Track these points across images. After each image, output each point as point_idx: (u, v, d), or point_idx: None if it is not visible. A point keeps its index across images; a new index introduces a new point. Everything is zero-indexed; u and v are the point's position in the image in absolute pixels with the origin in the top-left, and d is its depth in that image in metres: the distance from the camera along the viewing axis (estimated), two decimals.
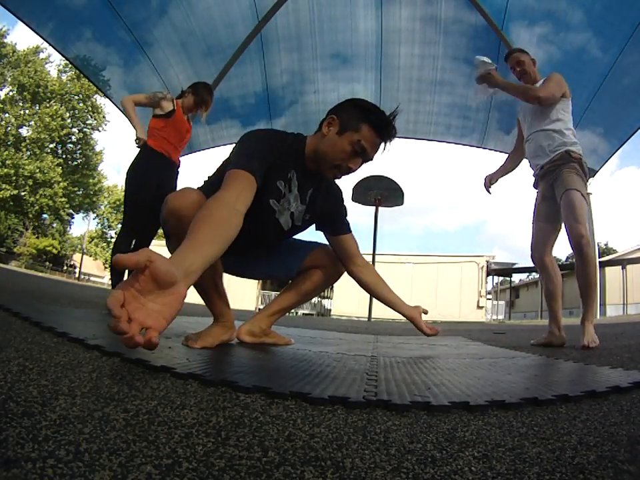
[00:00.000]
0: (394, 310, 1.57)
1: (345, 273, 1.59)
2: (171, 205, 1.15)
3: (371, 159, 1.29)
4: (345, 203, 1.52)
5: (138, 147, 2.67)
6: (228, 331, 1.42)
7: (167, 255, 0.85)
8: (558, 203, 2.19)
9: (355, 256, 1.50)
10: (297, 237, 1.64)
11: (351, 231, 1.51)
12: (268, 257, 1.59)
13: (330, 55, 4.92)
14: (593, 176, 4.86)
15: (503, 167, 2.68)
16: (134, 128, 2.68)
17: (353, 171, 1.29)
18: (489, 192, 2.64)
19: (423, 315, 1.60)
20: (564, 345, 2.17)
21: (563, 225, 2.29)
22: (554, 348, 2.10)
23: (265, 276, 1.71)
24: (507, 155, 2.77)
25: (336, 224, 1.48)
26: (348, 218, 1.53)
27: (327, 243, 1.58)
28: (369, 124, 1.24)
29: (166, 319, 0.63)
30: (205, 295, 1.39)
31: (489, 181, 2.62)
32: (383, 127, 1.26)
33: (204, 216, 0.93)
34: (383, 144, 1.29)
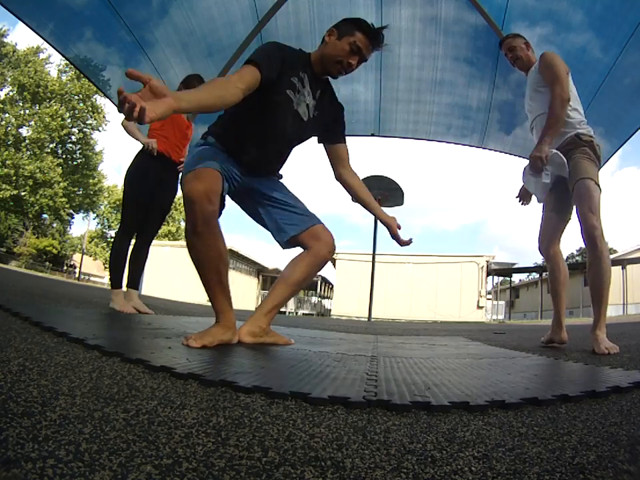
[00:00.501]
0: (371, 213, 1.74)
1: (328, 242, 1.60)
2: (185, 189, 1.31)
3: (366, 59, 1.56)
4: (344, 119, 1.73)
5: (150, 151, 2.65)
6: (228, 331, 1.42)
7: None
8: (568, 192, 2.03)
9: (346, 161, 1.71)
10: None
11: (346, 142, 1.73)
12: (273, 203, 1.60)
13: None
14: None
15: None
16: (140, 142, 2.66)
17: (353, 68, 1.55)
18: (525, 203, 2.40)
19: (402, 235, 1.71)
20: (564, 342, 2.12)
21: (572, 216, 2.15)
22: (554, 348, 2.09)
23: (259, 219, 1.67)
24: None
25: (336, 133, 1.70)
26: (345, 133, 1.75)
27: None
28: (361, 30, 1.53)
29: (155, 112, 0.90)
30: (208, 285, 1.41)
31: (526, 193, 2.37)
32: (372, 33, 1.53)
33: (205, 83, 1.19)
34: (372, 47, 1.55)
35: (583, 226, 1.92)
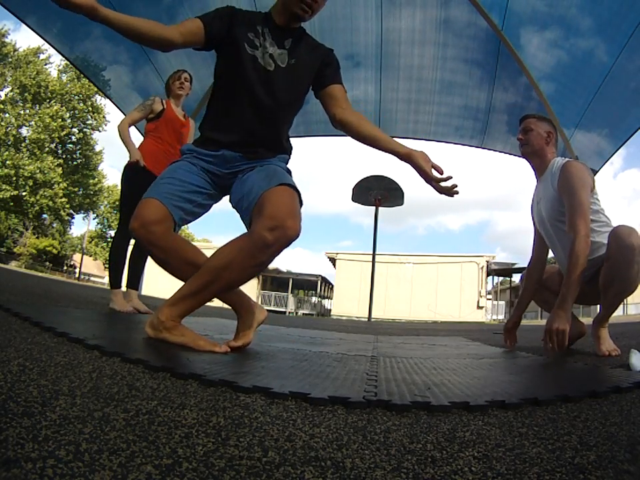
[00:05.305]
0: (384, 150, 1.34)
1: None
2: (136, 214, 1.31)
3: None
4: (337, 61, 1.50)
5: (134, 164, 2.61)
6: (252, 316, 1.41)
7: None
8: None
9: (341, 100, 1.43)
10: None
11: (340, 83, 1.47)
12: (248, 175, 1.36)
13: None
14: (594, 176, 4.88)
15: (521, 304, 2.04)
16: (129, 151, 2.64)
17: (318, 3, 1.37)
18: (512, 346, 2.02)
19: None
20: (585, 333, 1.93)
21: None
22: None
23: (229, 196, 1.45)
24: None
25: (326, 75, 1.46)
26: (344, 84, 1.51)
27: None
28: None
29: (82, 6, 1.09)
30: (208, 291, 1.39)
31: (510, 335, 2.03)
32: None
33: None
34: None
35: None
